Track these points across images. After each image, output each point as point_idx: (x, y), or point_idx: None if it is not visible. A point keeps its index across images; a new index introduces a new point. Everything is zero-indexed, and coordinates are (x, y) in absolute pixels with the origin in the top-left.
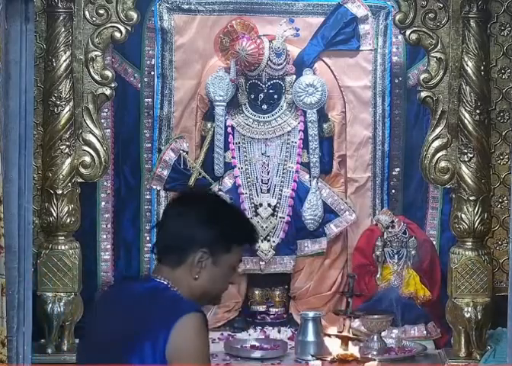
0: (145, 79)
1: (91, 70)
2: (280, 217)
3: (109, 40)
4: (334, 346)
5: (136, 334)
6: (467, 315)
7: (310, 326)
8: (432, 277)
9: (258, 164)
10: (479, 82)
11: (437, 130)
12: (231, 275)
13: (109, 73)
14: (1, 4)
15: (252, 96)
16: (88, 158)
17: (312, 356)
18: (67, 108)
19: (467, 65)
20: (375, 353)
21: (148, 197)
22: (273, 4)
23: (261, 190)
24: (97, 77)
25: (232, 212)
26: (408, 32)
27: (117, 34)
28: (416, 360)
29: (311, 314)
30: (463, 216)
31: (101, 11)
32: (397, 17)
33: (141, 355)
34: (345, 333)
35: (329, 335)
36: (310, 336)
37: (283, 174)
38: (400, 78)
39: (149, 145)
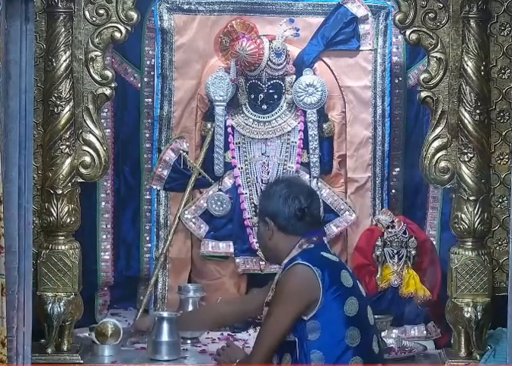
0: (145, 79)
1: (91, 70)
2: None
3: (109, 40)
4: None
5: None
6: (467, 315)
7: None
8: (432, 277)
9: (258, 164)
10: (479, 82)
11: (437, 130)
12: None
13: (109, 73)
14: (1, 4)
15: (252, 96)
16: (88, 158)
17: None
18: (67, 108)
19: (467, 65)
20: None
21: (148, 197)
22: (273, 4)
23: (261, 190)
24: (97, 77)
25: None
26: (408, 32)
27: (117, 34)
28: (416, 360)
29: (165, 314)
30: (463, 216)
31: (101, 11)
32: (397, 17)
33: None
34: None
35: None
36: None
37: (283, 174)
38: (400, 78)
39: (149, 145)
